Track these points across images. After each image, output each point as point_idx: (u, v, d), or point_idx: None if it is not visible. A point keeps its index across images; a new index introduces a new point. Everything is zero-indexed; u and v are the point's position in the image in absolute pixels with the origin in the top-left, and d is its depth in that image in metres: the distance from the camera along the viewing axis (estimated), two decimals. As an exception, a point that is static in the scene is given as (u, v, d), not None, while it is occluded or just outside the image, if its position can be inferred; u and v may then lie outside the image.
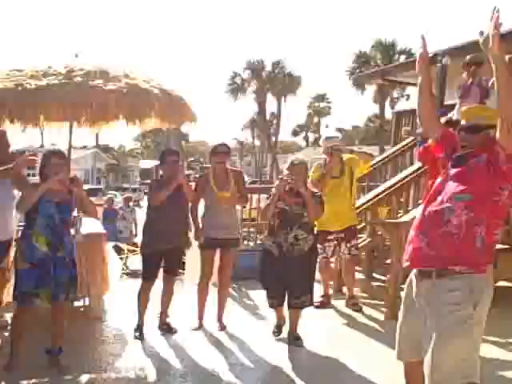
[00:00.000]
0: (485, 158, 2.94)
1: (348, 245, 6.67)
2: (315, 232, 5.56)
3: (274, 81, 51.52)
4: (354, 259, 6.79)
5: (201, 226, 5.84)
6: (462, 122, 3.17)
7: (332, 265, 7.30)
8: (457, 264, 2.88)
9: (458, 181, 2.97)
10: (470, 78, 8.03)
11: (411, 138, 9.61)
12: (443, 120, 3.30)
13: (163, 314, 5.76)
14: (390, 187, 7.49)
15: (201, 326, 5.85)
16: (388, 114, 38.30)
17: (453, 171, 3.06)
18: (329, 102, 66.70)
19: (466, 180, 2.94)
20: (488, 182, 2.89)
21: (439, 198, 2.99)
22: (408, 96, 37.36)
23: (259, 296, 7.09)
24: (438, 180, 3.16)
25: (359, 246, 7.31)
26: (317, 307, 6.42)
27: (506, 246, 6.02)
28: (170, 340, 5.46)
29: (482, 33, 2.92)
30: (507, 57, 7.81)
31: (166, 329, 5.67)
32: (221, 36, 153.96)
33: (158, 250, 5.48)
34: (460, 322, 2.85)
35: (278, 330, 5.62)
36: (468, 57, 8.22)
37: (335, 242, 6.67)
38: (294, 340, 5.34)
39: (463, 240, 2.88)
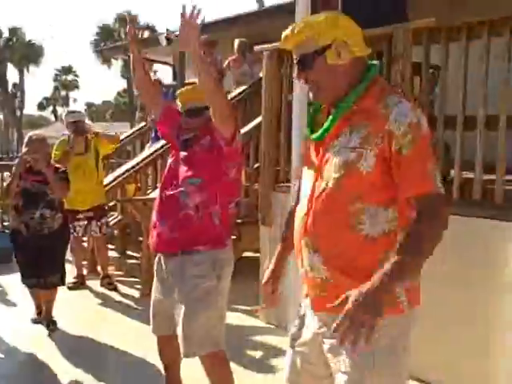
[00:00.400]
0: (208, 140, 3.11)
1: (98, 223, 6.70)
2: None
3: (13, 49, 48.34)
4: (104, 238, 6.86)
5: None
6: (180, 106, 3.27)
7: (85, 244, 7.30)
8: (199, 244, 3.08)
9: (188, 165, 3.12)
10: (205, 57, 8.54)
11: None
12: None
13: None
14: (136, 164, 7.57)
15: None
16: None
17: (182, 155, 3.19)
18: (76, 76, 64.57)
19: (195, 164, 3.10)
20: (215, 164, 3.06)
21: (174, 182, 3.13)
22: (154, 72, 37.85)
23: (8, 280, 6.89)
24: (169, 161, 3.28)
25: (112, 223, 7.40)
26: (70, 288, 6.41)
27: (249, 220, 6.51)
28: None
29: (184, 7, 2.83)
30: (236, 41, 8.53)
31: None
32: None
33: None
34: (205, 293, 3.07)
35: (38, 316, 5.49)
36: (202, 37, 8.70)
37: (85, 222, 6.65)
38: (48, 325, 5.29)
39: (202, 221, 3.07)
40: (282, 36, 2.09)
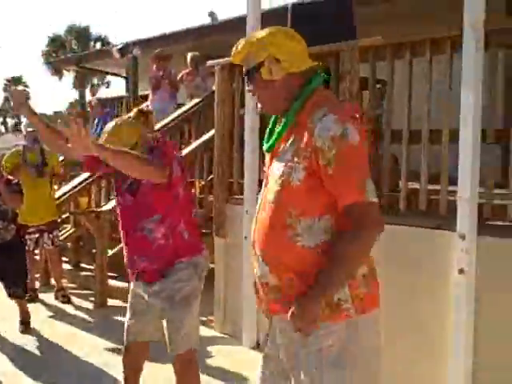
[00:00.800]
0: (149, 182, 3.13)
1: (50, 235, 6.65)
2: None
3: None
4: (57, 250, 6.80)
5: None
6: None
7: (37, 257, 7.23)
8: (180, 258, 3.20)
9: (141, 207, 3.19)
10: (159, 70, 8.63)
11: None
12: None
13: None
14: (89, 176, 7.50)
15: None
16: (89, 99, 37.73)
17: (130, 199, 3.24)
18: (26, 86, 63.49)
19: (147, 205, 3.17)
20: (164, 197, 3.15)
21: (134, 223, 3.20)
22: (108, 83, 37.63)
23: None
24: (118, 201, 3.34)
25: (65, 236, 7.36)
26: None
27: (204, 231, 6.55)
28: None
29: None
30: (189, 54, 8.61)
31: None
32: None
33: None
34: (191, 293, 3.20)
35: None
36: (156, 50, 8.81)
37: (37, 235, 6.59)
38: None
39: (174, 242, 3.18)
40: (232, 51, 2.19)
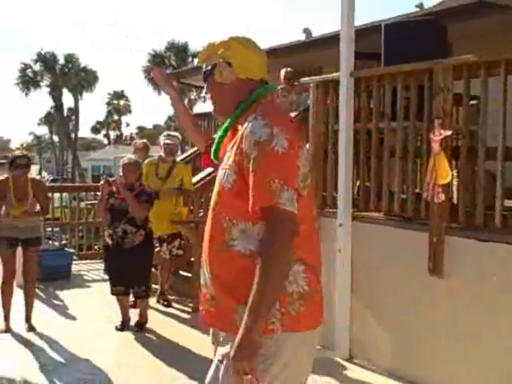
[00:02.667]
0: None
1: (169, 246, 6.98)
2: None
3: (69, 75, 49.99)
4: (171, 259, 7.09)
5: None
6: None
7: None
8: None
9: None
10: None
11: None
12: None
13: None
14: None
15: (8, 329, 5.86)
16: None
17: None
18: (127, 100, 66.31)
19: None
20: None
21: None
22: (205, 98, 38.54)
23: (68, 296, 7.29)
24: None
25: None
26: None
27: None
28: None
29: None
30: (283, 70, 8.72)
31: None
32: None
33: None
34: None
35: (121, 325, 5.97)
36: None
37: (157, 244, 6.81)
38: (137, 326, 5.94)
39: None
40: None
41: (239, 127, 2.09)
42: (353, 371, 4.86)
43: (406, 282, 4.66)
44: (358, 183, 5.37)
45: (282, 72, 8.79)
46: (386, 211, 4.87)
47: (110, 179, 5.91)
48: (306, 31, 10.78)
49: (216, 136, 2.31)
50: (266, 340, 1.96)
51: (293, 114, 8.11)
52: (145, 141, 8.42)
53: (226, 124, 2.22)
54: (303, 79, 5.86)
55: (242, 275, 1.98)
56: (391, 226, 4.80)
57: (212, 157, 2.29)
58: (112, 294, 5.94)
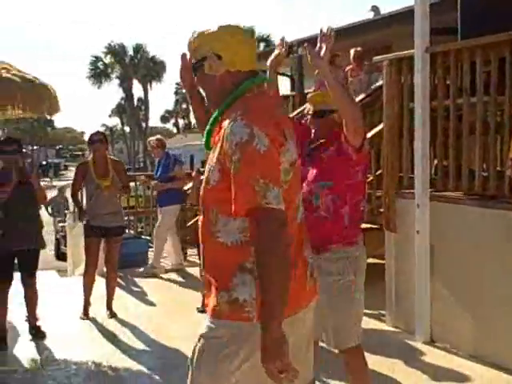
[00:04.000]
0: (335, 150, 3.30)
1: None
2: None
3: (138, 66, 50.93)
4: None
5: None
6: (309, 108, 3.49)
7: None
8: (331, 243, 3.28)
9: (317, 169, 3.33)
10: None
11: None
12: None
13: (31, 317, 5.51)
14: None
15: (87, 315, 6.01)
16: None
17: (309, 160, 3.38)
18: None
19: (324, 168, 3.30)
20: (343, 169, 3.27)
21: (304, 186, 3.27)
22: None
23: (146, 283, 7.46)
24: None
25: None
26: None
27: (371, 226, 6.64)
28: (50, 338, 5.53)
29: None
30: (352, 50, 8.61)
31: (35, 334, 5.43)
32: (78, 17, 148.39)
33: (7, 250, 5.17)
34: (346, 289, 3.27)
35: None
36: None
37: None
38: None
39: (333, 221, 3.26)
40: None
41: (224, 123, 2.07)
42: (434, 355, 4.75)
43: (488, 264, 4.50)
44: (435, 162, 5.21)
45: (352, 52, 8.65)
46: (466, 190, 4.71)
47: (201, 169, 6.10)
48: (374, 9, 10.53)
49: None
50: (239, 324, 2.02)
51: (363, 95, 8.01)
52: (159, 137, 8.43)
53: (213, 116, 2.20)
54: (376, 57, 5.72)
55: (223, 265, 2.07)
56: (472, 206, 4.63)
57: (205, 147, 2.29)
58: None
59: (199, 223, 2.22)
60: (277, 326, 1.92)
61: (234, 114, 2.04)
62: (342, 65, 8.85)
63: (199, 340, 2.13)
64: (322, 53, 2.95)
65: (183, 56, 2.44)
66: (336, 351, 3.46)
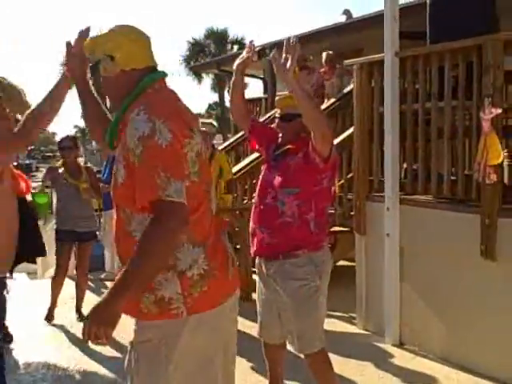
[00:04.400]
0: (301, 157, 3.30)
1: None
2: None
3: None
4: None
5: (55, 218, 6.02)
6: (277, 111, 3.53)
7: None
8: (298, 249, 3.28)
9: (283, 175, 3.32)
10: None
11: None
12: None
13: None
14: (233, 174, 7.78)
15: (51, 318, 5.92)
16: (228, 102, 37.99)
17: (275, 166, 3.40)
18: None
19: (290, 175, 3.30)
20: (309, 176, 3.28)
21: (270, 191, 3.34)
22: (246, 85, 38.43)
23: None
24: (263, 173, 3.50)
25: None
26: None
27: (341, 229, 6.68)
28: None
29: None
30: (324, 54, 8.66)
31: (2, 337, 5.32)
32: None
33: None
34: (312, 293, 3.28)
35: None
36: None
37: None
38: None
39: (299, 227, 3.27)
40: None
41: (127, 120, 2.09)
42: (403, 357, 4.78)
43: (457, 266, 4.54)
44: (404, 166, 5.26)
45: (324, 55, 8.68)
46: (434, 194, 4.75)
47: None
48: (346, 12, 10.59)
49: (108, 127, 2.29)
50: (168, 322, 2.07)
51: (334, 99, 8.05)
52: None
53: (115, 116, 2.22)
54: (346, 61, 5.75)
55: None
56: (441, 209, 4.68)
57: (108, 147, 2.30)
58: None
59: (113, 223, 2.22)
60: (122, 300, 1.97)
61: (137, 109, 2.05)
62: (316, 67, 8.89)
63: (131, 348, 2.16)
64: (288, 64, 2.96)
65: (68, 44, 2.47)
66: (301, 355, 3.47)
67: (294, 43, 2.99)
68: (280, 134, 3.47)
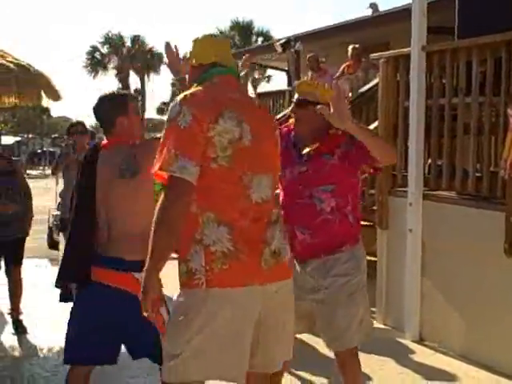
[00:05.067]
0: (337, 159, 3.18)
1: None
2: None
3: (135, 57, 50.67)
4: None
5: None
6: (296, 96, 3.32)
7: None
8: (342, 245, 3.21)
9: (317, 174, 3.21)
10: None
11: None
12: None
13: (13, 310, 5.46)
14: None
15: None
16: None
17: (302, 164, 3.25)
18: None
19: (325, 173, 3.20)
20: (345, 172, 3.21)
21: (303, 191, 3.21)
22: (268, 78, 38.33)
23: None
24: (288, 172, 3.26)
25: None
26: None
27: (364, 223, 6.63)
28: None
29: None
30: (350, 47, 8.64)
31: (16, 328, 5.34)
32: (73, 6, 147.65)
33: None
34: (358, 288, 3.22)
35: None
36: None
37: None
38: None
39: (340, 222, 3.19)
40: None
41: None
42: (423, 353, 4.76)
43: (479, 264, 4.51)
44: (429, 161, 5.22)
45: (350, 49, 8.64)
46: (459, 190, 4.72)
47: None
48: (373, 6, 10.52)
49: None
50: (190, 293, 2.28)
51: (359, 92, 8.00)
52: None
53: None
54: (372, 55, 5.72)
55: (183, 238, 2.30)
56: (465, 206, 4.64)
57: None
58: None
59: None
60: (151, 269, 2.22)
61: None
62: (328, 69, 8.88)
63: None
64: (343, 115, 2.87)
65: (167, 45, 2.88)
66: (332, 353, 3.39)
67: (343, 95, 3.03)
68: (292, 121, 3.34)
